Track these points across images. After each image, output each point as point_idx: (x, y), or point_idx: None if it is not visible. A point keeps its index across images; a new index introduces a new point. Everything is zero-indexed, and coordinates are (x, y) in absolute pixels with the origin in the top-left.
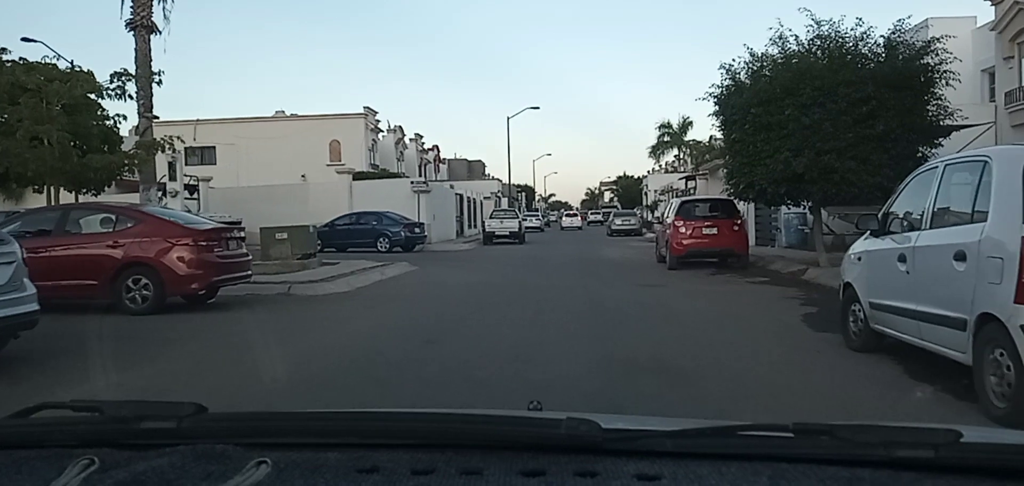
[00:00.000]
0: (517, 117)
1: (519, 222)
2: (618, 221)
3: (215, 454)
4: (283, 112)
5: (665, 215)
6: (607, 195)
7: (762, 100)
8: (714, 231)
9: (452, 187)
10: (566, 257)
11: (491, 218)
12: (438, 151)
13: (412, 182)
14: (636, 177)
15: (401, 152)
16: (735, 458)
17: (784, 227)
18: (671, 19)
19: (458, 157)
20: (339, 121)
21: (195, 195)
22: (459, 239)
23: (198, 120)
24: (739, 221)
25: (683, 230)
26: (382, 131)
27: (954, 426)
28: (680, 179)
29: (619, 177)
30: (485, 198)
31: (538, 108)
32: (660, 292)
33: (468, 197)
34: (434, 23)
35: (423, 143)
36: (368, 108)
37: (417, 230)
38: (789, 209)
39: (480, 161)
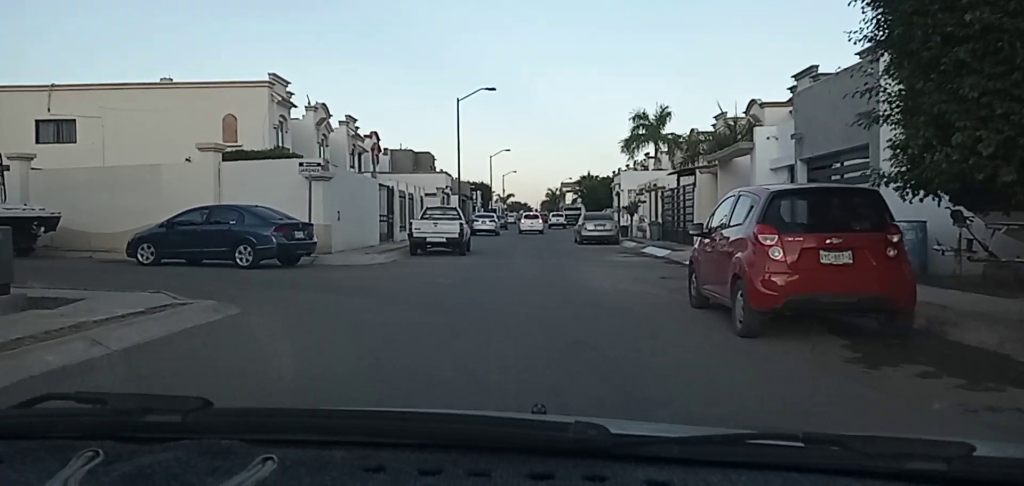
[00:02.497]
0: (472, 104)
1: (460, 225)
2: (590, 226)
3: (221, 449)
4: (170, 79)
5: (727, 219)
6: (569, 196)
7: None
8: (848, 258)
9: (375, 177)
10: (525, 282)
11: (422, 219)
12: (378, 139)
13: (301, 164)
14: (602, 177)
15: (324, 136)
16: (744, 466)
17: None
18: (632, 16)
19: (404, 148)
20: (236, 91)
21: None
22: (383, 245)
23: (53, 86)
24: (894, 238)
25: (782, 254)
26: (295, 107)
27: (967, 440)
28: (671, 174)
29: (583, 177)
30: (427, 195)
31: (494, 89)
32: None
33: (403, 192)
34: (383, 6)
35: (357, 127)
36: (275, 76)
37: (300, 234)
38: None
39: (428, 153)
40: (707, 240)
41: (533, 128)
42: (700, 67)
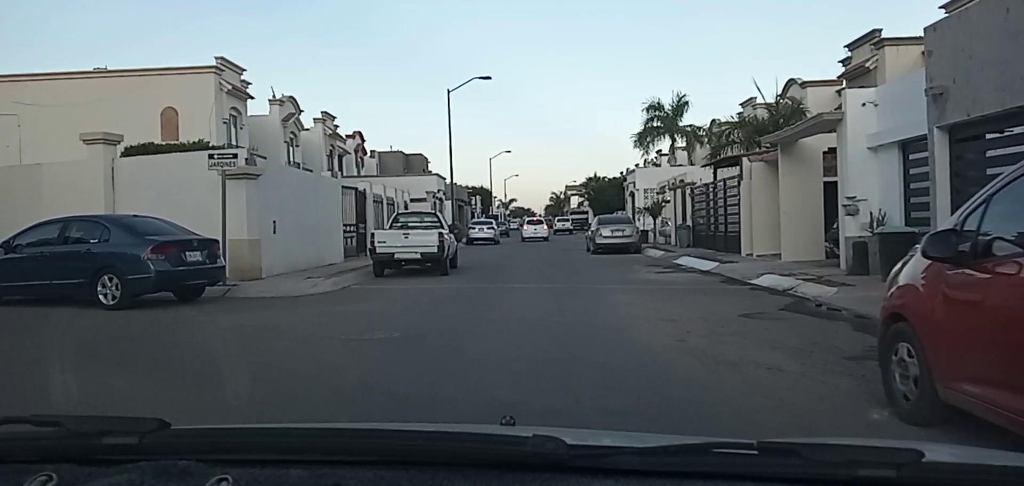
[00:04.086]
0: (469, 105)
1: (440, 236)
2: (606, 232)
3: (177, 471)
4: (104, 68)
5: None
6: (574, 199)
7: None
8: None
9: (336, 176)
10: (526, 334)
11: (390, 228)
12: (362, 139)
13: (210, 156)
14: (610, 177)
15: (293, 134)
16: (701, 476)
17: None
18: (631, 6)
19: (394, 149)
20: (177, 79)
21: None
22: (347, 263)
23: None
24: None
25: None
26: (252, 99)
27: (916, 445)
28: (705, 166)
29: (589, 178)
30: (414, 199)
31: (489, 79)
32: None
33: (381, 196)
34: (373, 10)
35: (335, 126)
36: (223, 61)
37: (196, 256)
38: None
39: (421, 155)
40: (963, 270)
41: (534, 130)
42: (707, 59)
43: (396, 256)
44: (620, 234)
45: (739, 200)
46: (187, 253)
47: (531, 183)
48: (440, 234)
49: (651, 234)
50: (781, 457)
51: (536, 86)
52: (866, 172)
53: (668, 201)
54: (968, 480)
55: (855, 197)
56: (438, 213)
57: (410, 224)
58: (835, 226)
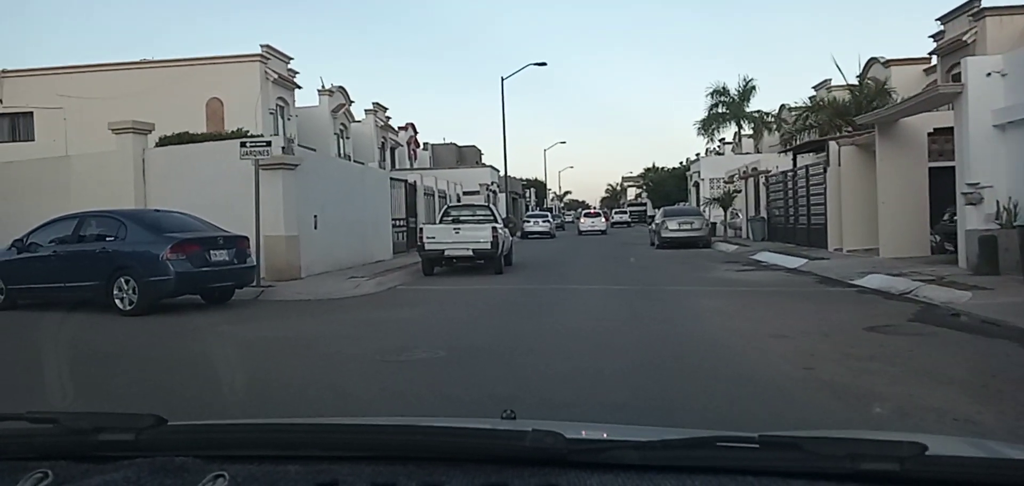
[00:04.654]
0: (523, 97)
1: (494, 230)
2: (673, 224)
3: (173, 467)
4: (149, 60)
5: None
6: (631, 191)
7: None
8: None
9: (387, 164)
10: (601, 359)
11: (439, 223)
12: (415, 131)
13: (243, 144)
14: (669, 168)
15: (343, 126)
16: (701, 471)
17: None
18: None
19: (447, 142)
20: (222, 68)
21: None
22: (396, 259)
23: (5, 71)
24: None
25: None
26: (300, 89)
27: (918, 438)
28: (784, 152)
29: (647, 169)
30: (466, 192)
31: (545, 65)
32: None
33: (432, 189)
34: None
35: (387, 118)
36: (269, 49)
37: (222, 254)
38: None
39: (474, 147)
40: None
41: (589, 120)
42: (771, 42)
43: (446, 253)
44: (688, 227)
45: (825, 188)
46: (212, 252)
47: (585, 175)
48: (494, 229)
49: (718, 227)
50: (782, 450)
51: (591, 75)
52: (991, 154)
53: (739, 191)
54: (971, 473)
55: (978, 184)
56: (491, 205)
57: (461, 218)
58: (946, 217)
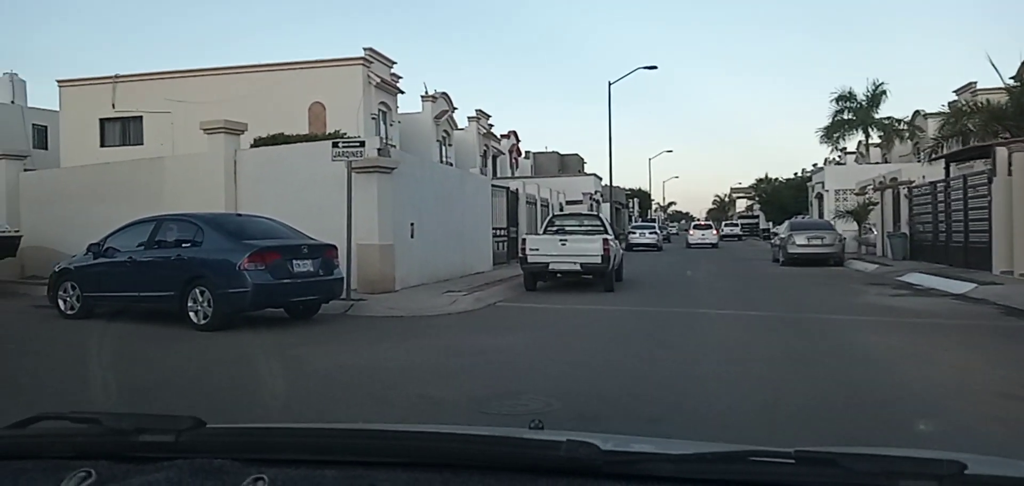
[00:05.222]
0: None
1: (605, 242)
2: (801, 239)
3: (212, 469)
4: (253, 64)
5: None
6: (741, 203)
7: None
8: None
9: (489, 172)
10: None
11: (544, 233)
12: (516, 139)
13: (335, 145)
14: (784, 178)
15: (446, 133)
16: (736, 484)
17: None
18: (800, 14)
19: (549, 150)
20: (324, 72)
21: None
22: (496, 270)
23: (117, 77)
24: None
25: None
26: (403, 93)
27: (958, 457)
28: (934, 159)
29: (759, 180)
30: (569, 201)
31: (655, 68)
32: None
33: (534, 197)
34: (529, 6)
35: (490, 125)
36: (372, 52)
37: (306, 265)
38: None
39: (577, 155)
40: None
41: (696, 130)
42: (891, 51)
43: (551, 267)
44: (818, 242)
45: (989, 201)
46: (294, 262)
47: (689, 186)
48: (605, 241)
49: (857, 243)
50: (819, 467)
51: (698, 83)
52: None
53: (875, 203)
54: None
55: None
56: (601, 215)
57: (568, 228)
58: None
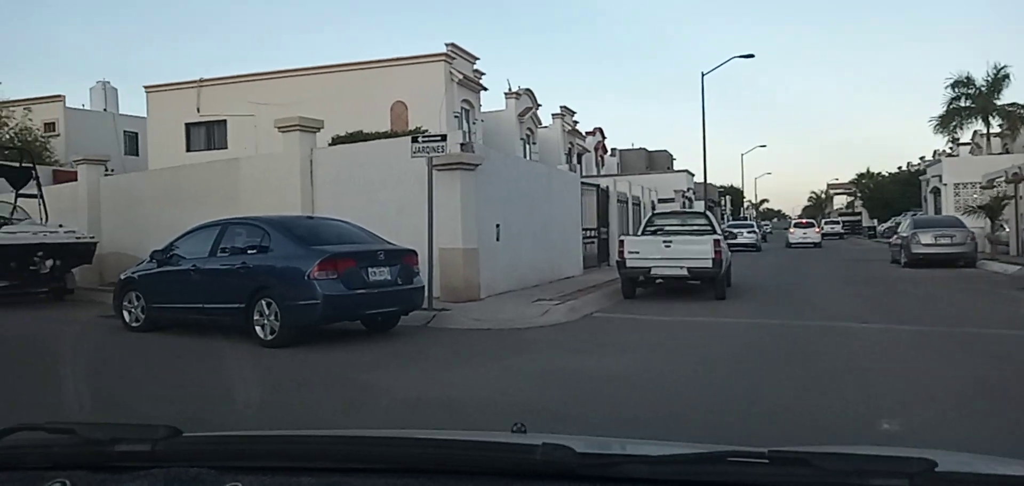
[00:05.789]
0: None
1: (715, 244)
2: (927, 238)
3: (189, 478)
4: (334, 64)
5: None
6: (839, 199)
7: None
8: None
9: (575, 170)
10: None
11: (643, 234)
12: (602, 136)
13: (415, 139)
14: (888, 173)
15: (529, 130)
16: (711, 485)
17: None
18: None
19: (636, 147)
20: (406, 70)
21: (38, 194)
22: (586, 275)
23: (201, 81)
24: None
25: None
26: (486, 90)
27: (928, 454)
28: None
29: (859, 175)
30: (661, 200)
31: (752, 56)
32: None
33: (625, 195)
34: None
35: (575, 122)
36: (455, 48)
37: (382, 272)
38: None
39: (665, 152)
40: None
41: (789, 124)
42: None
43: (653, 271)
44: (948, 241)
45: None
46: (370, 270)
47: (782, 182)
48: (716, 242)
49: (987, 242)
50: (792, 466)
51: (791, 74)
52: None
53: (1010, 197)
54: None
55: None
56: (707, 214)
57: (670, 228)
58: None
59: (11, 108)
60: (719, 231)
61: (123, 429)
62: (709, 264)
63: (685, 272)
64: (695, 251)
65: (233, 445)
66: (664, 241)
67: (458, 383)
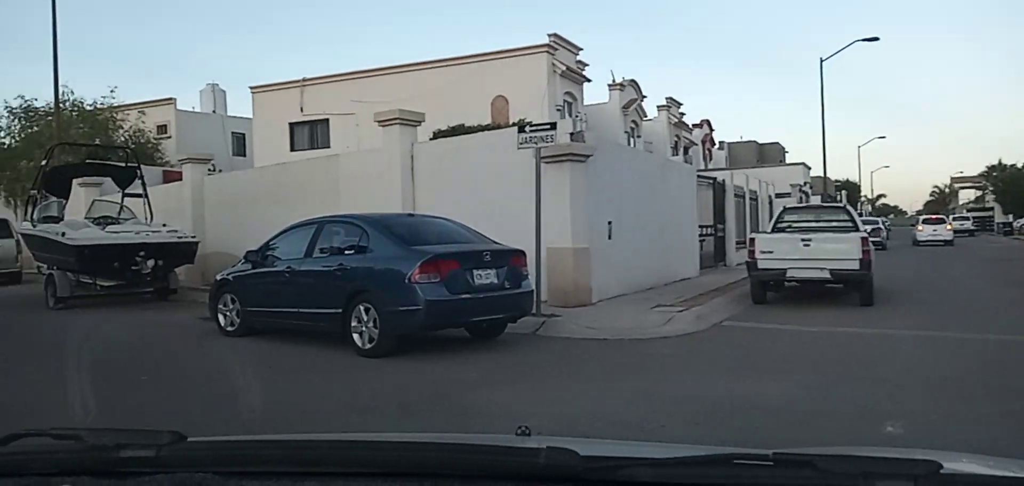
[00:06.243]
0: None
1: (863, 243)
2: None
3: (193, 483)
4: (434, 60)
5: None
6: (965, 193)
7: None
8: None
9: (689, 162)
10: None
11: (774, 231)
12: (710, 128)
13: (522, 130)
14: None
15: (634, 123)
16: None
17: None
18: None
19: (745, 139)
20: (507, 63)
21: (143, 194)
22: (703, 275)
23: (305, 80)
24: None
25: None
26: (589, 82)
27: (933, 456)
28: None
29: (989, 168)
30: (778, 194)
31: (877, 40)
32: None
33: (742, 189)
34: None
35: (681, 114)
36: (557, 38)
37: (489, 275)
38: None
39: (777, 144)
40: None
41: (906, 114)
42: None
43: (790, 273)
44: None
45: None
46: (475, 272)
47: (898, 176)
48: (863, 241)
49: None
50: (797, 468)
51: (912, 62)
52: None
53: None
54: None
55: None
56: (847, 207)
57: (806, 225)
58: None
59: (125, 112)
60: (864, 230)
61: (128, 434)
62: (856, 265)
63: (827, 274)
64: (840, 250)
65: (237, 450)
66: (802, 240)
67: (580, 406)
